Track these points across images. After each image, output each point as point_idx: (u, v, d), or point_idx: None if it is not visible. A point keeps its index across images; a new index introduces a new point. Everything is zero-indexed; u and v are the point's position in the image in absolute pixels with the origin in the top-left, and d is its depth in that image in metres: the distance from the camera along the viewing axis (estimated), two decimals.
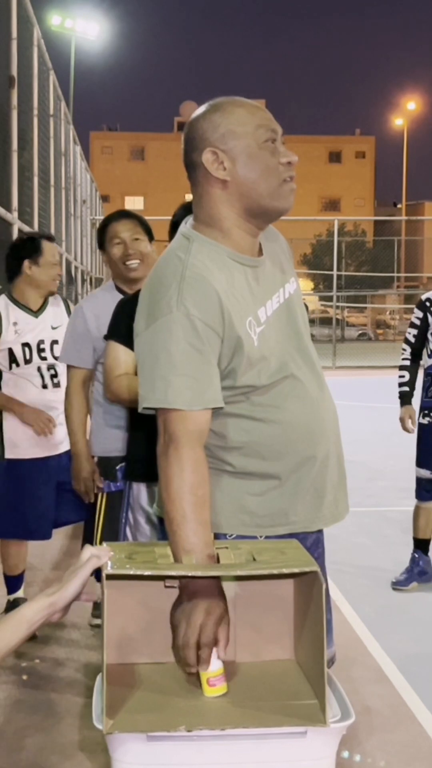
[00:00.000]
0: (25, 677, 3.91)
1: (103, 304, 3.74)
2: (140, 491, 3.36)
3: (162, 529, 2.24)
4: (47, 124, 12.72)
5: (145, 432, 3.27)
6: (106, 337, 3.39)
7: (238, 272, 2.08)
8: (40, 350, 4.28)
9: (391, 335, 38.50)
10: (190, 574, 1.81)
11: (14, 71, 8.83)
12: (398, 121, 62.45)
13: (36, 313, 4.34)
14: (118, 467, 3.72)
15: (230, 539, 2.07)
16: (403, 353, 5.29)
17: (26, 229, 9.50)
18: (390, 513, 6.71)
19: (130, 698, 1.74)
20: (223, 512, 2.07)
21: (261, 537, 2.09)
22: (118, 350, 3.31)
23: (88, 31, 33.46)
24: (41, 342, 4.28)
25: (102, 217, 4.13)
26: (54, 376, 4.30)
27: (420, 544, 5.22)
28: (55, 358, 4.28)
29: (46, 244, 4.33)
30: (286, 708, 1.71)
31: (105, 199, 50.28)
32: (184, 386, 1.94)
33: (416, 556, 5.21)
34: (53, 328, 4.33)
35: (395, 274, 44.54)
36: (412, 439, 5.31)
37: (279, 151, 2.08)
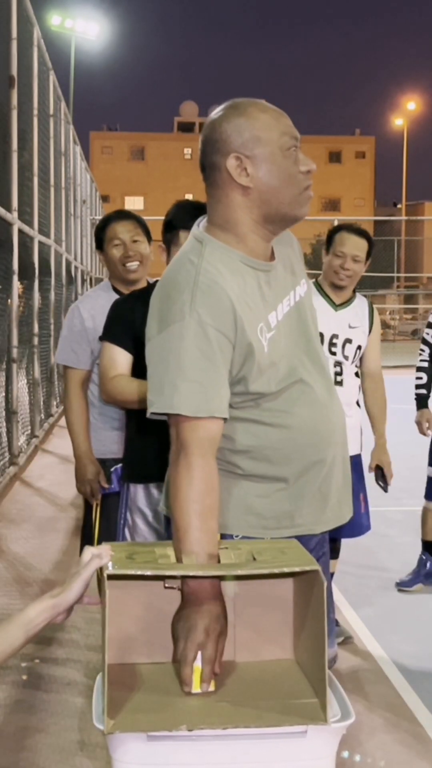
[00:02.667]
0: (25, 677, 3.91)
1: (99, 304, 3.73)
2: (137, 492, 3.35)
3: (168, 527, 2.24)
4: (47, 124, 12.72)
5: (141, 433, 3.27)
6: (102, 338, 3.38)
7: (251, 277, 2.07)
8: (332, 344, 4.23)
9: (391, 335, 38.50)
10: (190, 574, 1.81)
11: (14, 71, 8.83)
12: (398, 121, 62.46)
13: (337, 306, 4.31)
14: (113, 469, 3.71)
15: (236, 539, 2.07)
16: (421, 354, 5.19)
17: (26, 229, 9.52)
18: (390, 513, 6.71)
19: (131, 698, 1.74)
20: (229, 513, 2.07)
21: (267, 539, 2.09)
22: (113, 351, 3.30)
23: (88, 31, 33.46)
24: (334, 336, 4.24)
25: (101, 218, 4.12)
26: (338, 374, 4.24)
27: (428, 547, 5.18)
28: (345, 357, 4.25)
29: (339, 236, 4.28)
30: (286, 707, 1.71)
31: (105, 199, 50.25)
32: (191, 392, 1.93)
33: (424, 558, 5.18)
34: (351, 327, 4.29)
35: (395, 274, 44.52)
36: (411, 439, 5.30)
37: (299, 159, 2.07)
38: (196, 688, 1.77)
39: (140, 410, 3.13)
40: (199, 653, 1.79)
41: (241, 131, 2.03)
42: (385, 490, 4.42)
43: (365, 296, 4.51)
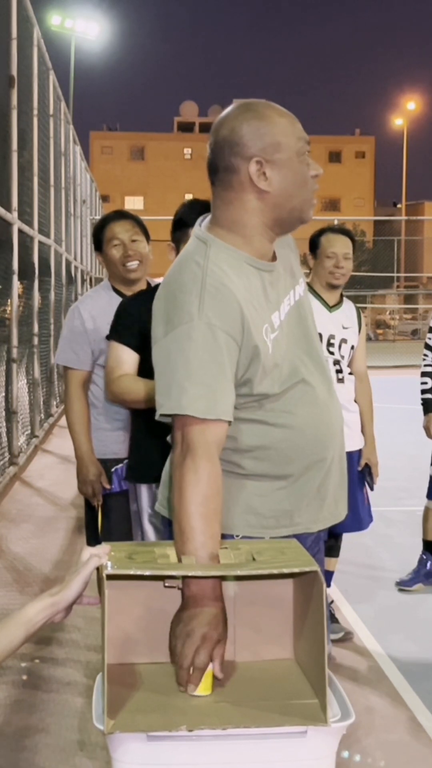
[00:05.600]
0: (25, 677, 3.91)
1: (99, 304, 3.72)
2: (141, 492, 3.36)
3: (168, 527, 2.24)
4: (47, 124, 12.73)
5: (146, 433, 3.27)
6: (108, 338, 3.38)
7: (255, 278, 2.07)
8: (330, 344, 4.31)
9: (391, 335, 38.50)
10: (190, 574, 1.81)
11: (14, 71, 8.83)
12: (398, 121, 62.49)
13: (331, 308, 4.38)
14: (113, 469, 3.70)
15: (236, 539, 2.07)
16: (425, 358, 5.20)
17: (26, 229, 9.52)
18: (390, 513, 6.70)
19: (131, 698, 1.74)
20: (230, 513, 2.07)
21: (266, 538, 2.10)
22: (119, 350, 3.30)
23: (88, 31, 33.46)
24: (332, 337, 4.31)
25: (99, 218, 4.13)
26: (339, 371, 4.33)
27: (429, 546, 5.18)
28: (341, 357, 4.34)
29: (326, 238, 4.37)
30: (286, 708, 1.71)
31: (105, 199, 50.26)
32: (198, 394, 1.92)
33: (424, 557, 5.19)
34: (344, 328, 4.36)
35: (395, 274, 44.53)
36: (413, 439, 5.30)
37: (309, 164, 2.09)
38: (200, 691, 1.77)
39: (146, 410, 3.14)
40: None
41: (262, 135, 2.04)
42: (371, 488, 4.49)
43: (356, 298, 4.59)
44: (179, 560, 1.87)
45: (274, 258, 2.16)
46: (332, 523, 2.23)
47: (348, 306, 4.47)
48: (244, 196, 2.07)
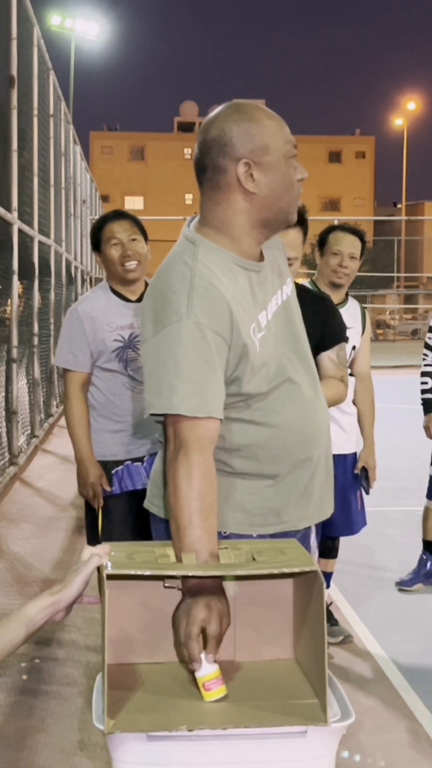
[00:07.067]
0: (25, 677, 3.91)
1: (98, 305, 3.71)
2: None
3: (156, 526, 2.25)
4: (47, 124, 12.72)
5: None
6: None
7: (243, 277, 2.09)
8: None
9: (391, 335, 38.50)
10: (190, 574, 1.81)
11: (14, 71, 8.82)
12: (398, 121, 62.48)
13: None
14: (114, 471, 3.69)
15: (224, 536, 2.08)
16: (425, 358, 5.19)
17: (26, 229, 9.52)
18: (390, 513, 6.71)
19: (131, 698, 1.74)
20: (219, 510, 2.08)
21: (254, 535, 2.13)
22: None
23: (88, 31, 33.44)
24: None
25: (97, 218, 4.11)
26: None
27: (429, 546, 5.18)
28: None
29: (333, 236, 4.34)
30: (286, 707, 1.71)
31: (105, 199, 50.27)
32: (189, 392, 1.94)
33: (424, 557, 5.19)
34: (347, 327, 4.33)
35: (395, 274, 44.52)
36: (413, 439, 5.30)
37: (296, 168, 2.11)
38: (217, 693, 1.75)
39: None
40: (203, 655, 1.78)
41: (252, 137, 2.05)
42: (367, 492, 4.45)
43: (356, 298, 4.53)
44: (178, 556, 1.88)
45: (261, 258, 2.18)
46: (318, 520, 2.26)
47: (353, 305, 4.42)
48: (231, 197, 2.08)
